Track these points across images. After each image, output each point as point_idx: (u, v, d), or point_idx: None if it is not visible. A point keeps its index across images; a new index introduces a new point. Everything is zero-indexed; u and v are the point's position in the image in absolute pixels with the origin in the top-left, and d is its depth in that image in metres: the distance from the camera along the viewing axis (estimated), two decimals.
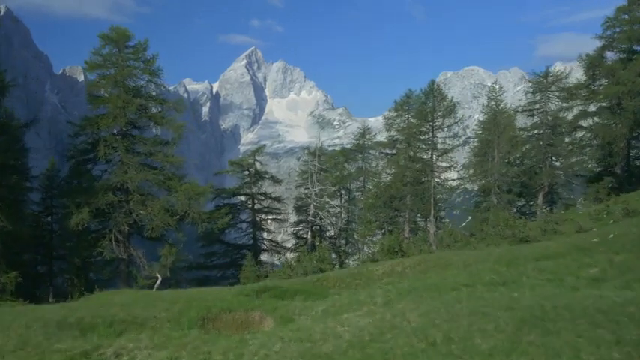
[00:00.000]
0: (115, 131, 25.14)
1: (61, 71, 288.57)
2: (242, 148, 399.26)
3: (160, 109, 25.81)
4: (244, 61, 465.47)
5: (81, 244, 24.64)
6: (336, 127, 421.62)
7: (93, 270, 26.84)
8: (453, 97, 36.47)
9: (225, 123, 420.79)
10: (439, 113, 34.06)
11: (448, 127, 34.54)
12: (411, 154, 34.70)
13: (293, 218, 46.15)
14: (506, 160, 33.83)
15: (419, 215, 36.31)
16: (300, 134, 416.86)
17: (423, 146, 34.84)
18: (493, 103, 34.22)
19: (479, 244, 22.36)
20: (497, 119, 33.19)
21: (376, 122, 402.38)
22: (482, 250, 17.09)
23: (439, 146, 35.09)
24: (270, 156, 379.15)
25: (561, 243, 15.42)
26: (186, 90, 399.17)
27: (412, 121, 35.77)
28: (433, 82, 34.68)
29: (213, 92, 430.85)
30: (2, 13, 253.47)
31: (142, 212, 25.30)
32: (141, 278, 25.35)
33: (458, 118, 34.67)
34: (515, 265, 12.99)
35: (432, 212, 33.21)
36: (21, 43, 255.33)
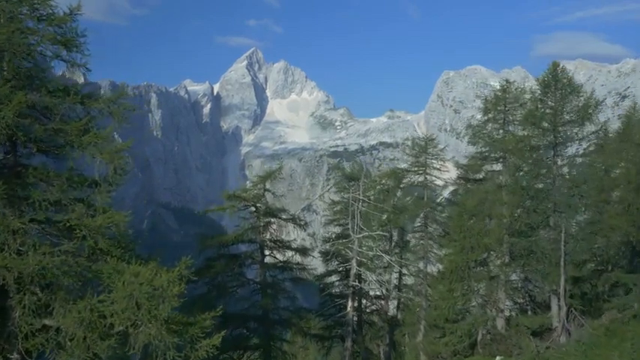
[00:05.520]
0: None
1: (60, 73, 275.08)
2: (243, 150, 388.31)
3: (83, 113, 12.77)
4: (245, 62, 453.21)
5: None
6: (338, 127, 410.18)
7: None
8: (594, 90, 22.83)
9: (226, 124, 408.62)
10: (567, 117, 20.87)
11: (581, 140, 21.21)
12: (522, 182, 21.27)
13: (316, 264, 32.97)
14: None
15: (524, 278, 23.22)
16: (301, 135, 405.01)
17: (539, 170, 21.36)
18: None
19: None
20: None
21: (377, 122, 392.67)
22: None
23: (564, 170, 21.66)
24: (272, 157, 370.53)
25: None
26: (186, 91, 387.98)
27: (510, 130, 22.60)
28: (556, 65, 21.25)
29: (214, 93, 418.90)
30: None
31: (44, 328, 12.18)
32: None
33: (600, 124, 21.35)
34: None
35: (562, 281, 20.02)
36: None
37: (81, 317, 12.13)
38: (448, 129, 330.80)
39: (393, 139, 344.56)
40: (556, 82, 21.18)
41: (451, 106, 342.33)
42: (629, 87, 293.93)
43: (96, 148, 12.03)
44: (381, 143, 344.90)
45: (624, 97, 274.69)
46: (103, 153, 11.95)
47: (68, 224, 11.90)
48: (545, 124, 21.23)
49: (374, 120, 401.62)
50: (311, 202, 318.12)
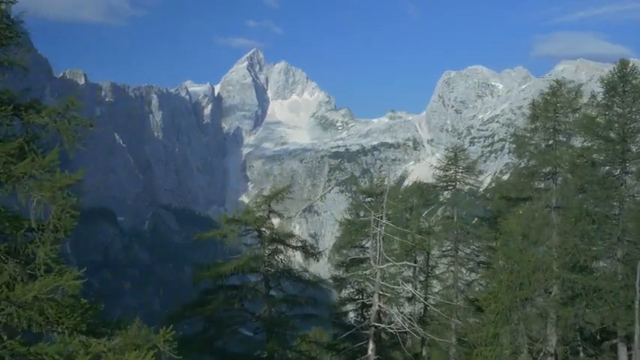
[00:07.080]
0: None
1: (61, 74, 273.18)
2: (244, 150, 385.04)
3: (22, 131, 8.98)
4: (246, 63, 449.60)
5: None
6: (339, 128, 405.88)
7: None
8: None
9: (227, 125, 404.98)
10: None
11: None
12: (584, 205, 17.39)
13: (321, 269, 29.22)
14: None
15: (576, 314, 19.57)
16: (302, 136, 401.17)
17: (604, 191, 17.45)
18: None
19: None
20: None
21: (379, 123, 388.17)
22: None
23: (635, 190, 17.82)
24: (273, 158, 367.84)
25: None
26: (187, 92, 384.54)
27: (561, 140, 18.77)
28: (625, 64, 17.48)
29: (215, 94, 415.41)
30: None
31: None
32: None
33: None
34: None
35: (638, 327, 16.37)
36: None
37: None
38: (450, 129, 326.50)
39: (395, 139, 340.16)
40: (625, 84, 17.46)
41: (452, 106, 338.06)
42: None
43: (33, 181, 8.36)
44: (383, 144, 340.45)
45: None
46: (42, 189, 8.22)
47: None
48: (611, 135, 17.51)
49: (375, 120, 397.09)
50: (312, 203, 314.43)
